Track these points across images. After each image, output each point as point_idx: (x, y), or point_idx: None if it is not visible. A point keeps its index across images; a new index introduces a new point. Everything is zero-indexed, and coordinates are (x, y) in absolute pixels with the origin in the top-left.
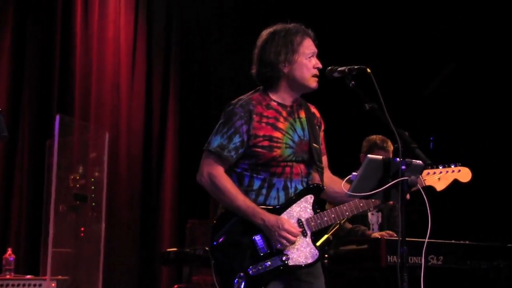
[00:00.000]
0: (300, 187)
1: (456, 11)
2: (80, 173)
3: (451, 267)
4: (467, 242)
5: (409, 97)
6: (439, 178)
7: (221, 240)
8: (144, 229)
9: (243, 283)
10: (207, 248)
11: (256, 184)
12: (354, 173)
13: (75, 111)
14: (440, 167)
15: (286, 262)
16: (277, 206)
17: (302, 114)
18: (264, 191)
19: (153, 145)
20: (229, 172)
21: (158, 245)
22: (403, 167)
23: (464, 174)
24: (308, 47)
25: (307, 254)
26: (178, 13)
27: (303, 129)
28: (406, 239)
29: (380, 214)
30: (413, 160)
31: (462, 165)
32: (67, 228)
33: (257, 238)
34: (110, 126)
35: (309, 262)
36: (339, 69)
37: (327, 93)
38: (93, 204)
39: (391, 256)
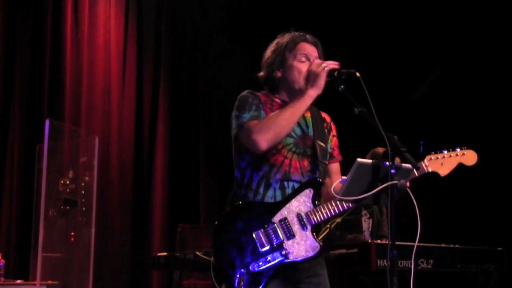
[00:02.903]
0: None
1: (444, 16)
2: (70, 178)
3: (441, 271)
4: (457, 246)
5: (398, 101)
6: (442, 163)
7: (222, 239)
8: (134, 234)
9: (244, 280)
10: (197, 253)
11: (254, 182)
12: (344, 177)
13: (65, 115)
14: (444, 152)
15: (286, 256)
16: (275, 202)
17: (308, 114)
18: (261, 190)
19: (144, 150)
20: (234, 166)
21: (149, 250)
22: (392, 171)
23: (469, 157)
24: (300, 49)
25: (307, 247)
26: (168, 18)
27: (307, 125)
28: (396, 243)
29: (371, 220)
30: (403, 164)
31: (468, 148)
32: (57, 233)
33: (257, 234)
34: (101, 131)
35: (309, 255)
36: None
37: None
38: (83, 208)
39: (381, 260)
